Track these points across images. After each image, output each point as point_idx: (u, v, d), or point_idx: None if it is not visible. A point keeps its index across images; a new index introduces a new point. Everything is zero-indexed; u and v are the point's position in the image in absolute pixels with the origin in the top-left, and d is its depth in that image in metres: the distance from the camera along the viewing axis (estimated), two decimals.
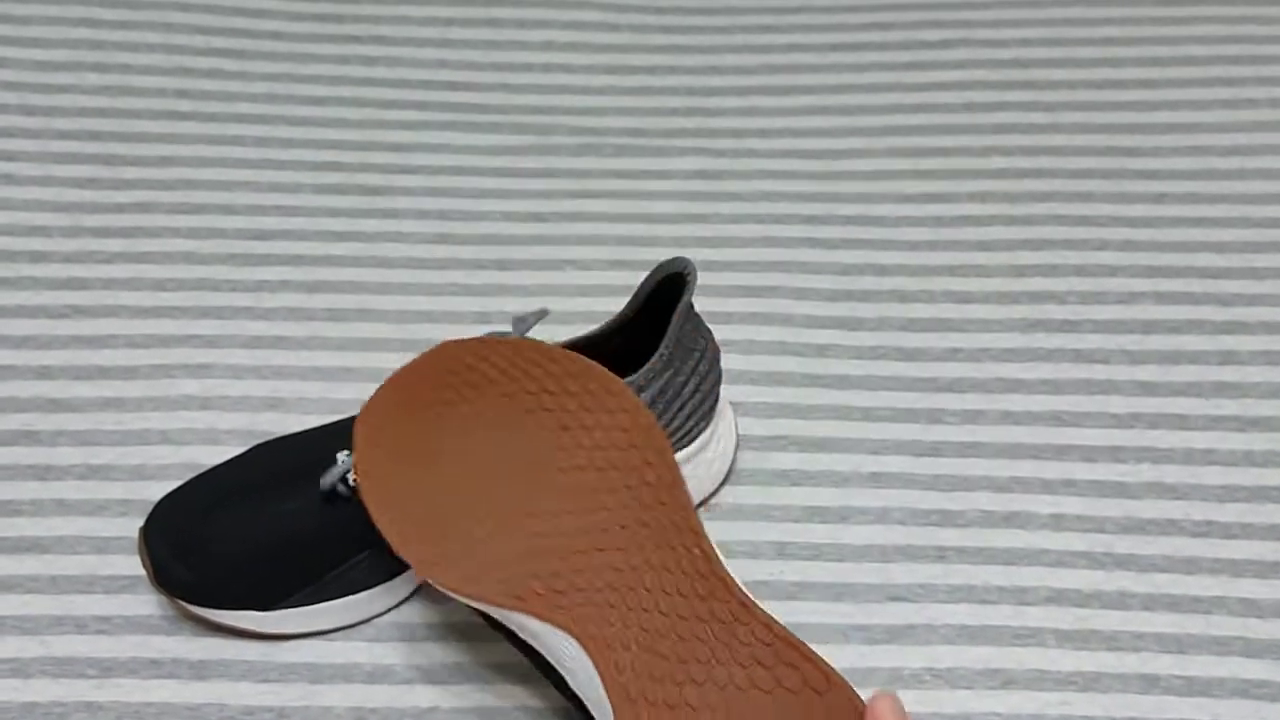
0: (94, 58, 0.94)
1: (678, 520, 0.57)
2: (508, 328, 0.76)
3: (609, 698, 0.56)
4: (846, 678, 0.65)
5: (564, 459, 0.59)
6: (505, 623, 0.59)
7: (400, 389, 0.63)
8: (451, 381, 0.62)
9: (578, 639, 0.56)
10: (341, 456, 0.66)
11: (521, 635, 0.59)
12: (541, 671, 0.62)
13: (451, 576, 0.58)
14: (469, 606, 0.60)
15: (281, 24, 0.97)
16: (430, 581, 0.59)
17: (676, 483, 0.58)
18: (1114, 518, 0.71)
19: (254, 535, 0.65)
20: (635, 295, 0.68)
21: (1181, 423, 0.75)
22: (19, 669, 0.66)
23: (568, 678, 0.58)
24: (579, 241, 0.85)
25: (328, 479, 0.65)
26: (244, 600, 0.66)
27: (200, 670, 0.66)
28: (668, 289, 0.68)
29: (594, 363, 0.61)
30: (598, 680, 0.56)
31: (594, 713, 0.57)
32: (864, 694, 0.64)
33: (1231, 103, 0.92)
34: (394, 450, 0.62)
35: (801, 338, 0.80)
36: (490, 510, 0.59)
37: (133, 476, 0.73)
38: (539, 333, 0.71)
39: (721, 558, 0.57)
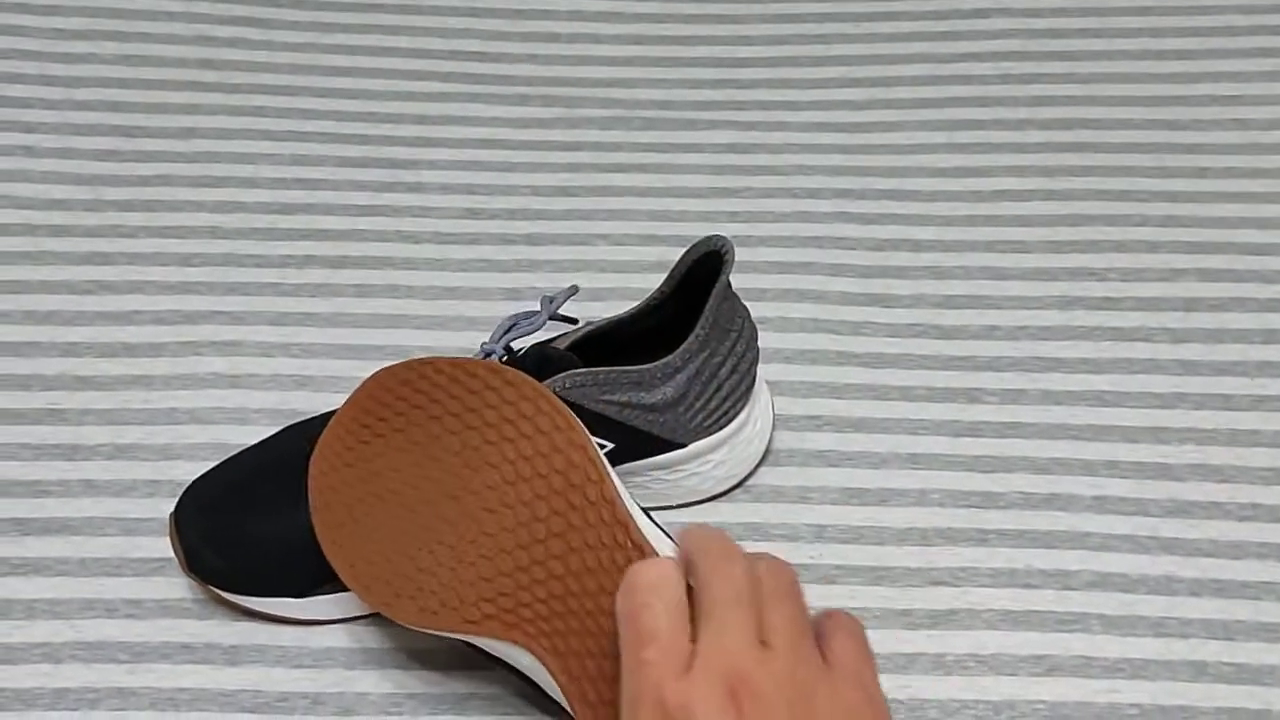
0: (115, 26, 0.93)
1: (605, 516, 0.57)
2: (536, 305, 0.75)
3: (569, 703, 0.57)
4: (888, 665, 0.64)
5: (494, 475, 0.59)
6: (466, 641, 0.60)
7: (343, 426, 0.63)
8: (385, 413, 0.62)
9: (531, 653, 0.57)
10: None
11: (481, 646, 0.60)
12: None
13: (408, 612, 0.59)
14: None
15: None
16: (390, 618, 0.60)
17: (601, 478, 0.57)
18: (1158, 500, 0.70)
19: (287, 521, 0.64)
20: (671, 274, 0.67)
21: (1226, 403, 0.74)
22: (50, 654, 0.65)
23: (531, 677, 0.59)
24: (608, 216, 0.83)
25: None
26: (278, 587, 0.65)
27: (233, 656, 0.65)
28: (703, 267, 0.67)
29: (506, 368, 0.60)
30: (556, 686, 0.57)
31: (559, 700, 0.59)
32: (908, 679, 0.64)
33: (1274, 74, 0.90)
34: (343, 489, 0.62)
35: (836, 315, 0.78)
36: (434, 538, 0.59)
37: (161, 456, 0.72)
38: (570, 309, 0.70)
39: (653, 537, 0.57)
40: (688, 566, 0.52)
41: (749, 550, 0.52)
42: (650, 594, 0.50)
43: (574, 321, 0.69)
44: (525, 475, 0.58)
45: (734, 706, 0.47)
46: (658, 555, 0.55)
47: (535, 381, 0.59)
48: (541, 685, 0.59)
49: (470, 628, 0.58)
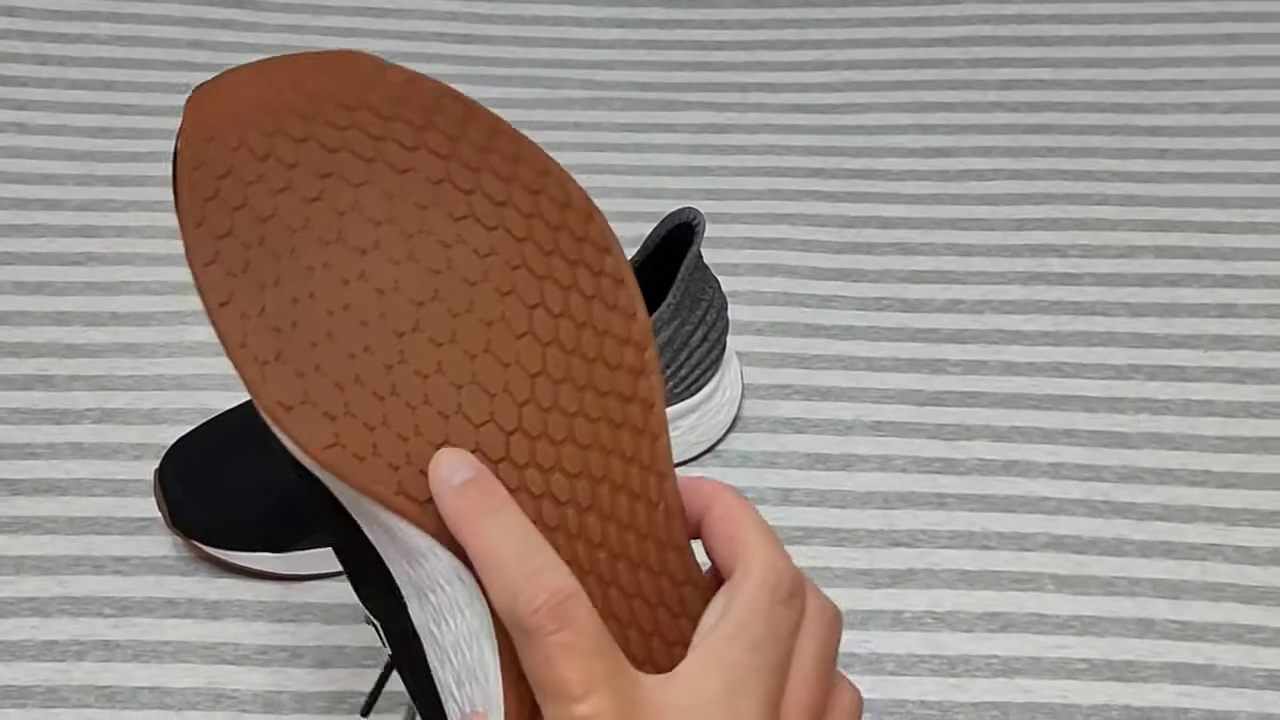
0: (107, 7, 0.95)
1: (644, 454, 0.44)
2: None
3: (498, 665, 0.41)
4: (849, 621, 0.66)
5: (514, 303, 0.43)
6: (363, 523, 0.43)
7: (269, 94, 0.44)
8: (348, 117, 0.44)
9: (475, 579, 0.40)
10: None
11: (382, 547, 0.43)
12: (362, 598, 0.47)
13: (317, 435, 0.41)
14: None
15: None
16: (280, 435, 0.42)
17: (654, 400, 0.44)
18: (1112, 466, 0.73)
19: (267, 478, 0.66)
20: (644, 244, 0.69)
21: (1180, 374, 0.76)
22: (38, 608, 0.67)
23: (428, 625, 0.43)
24: (589, 193, 0.85)
25: None
26: (259, 542, 0.67)
27: (215, 610, 0.67)
28: (676, 239, 0.69)
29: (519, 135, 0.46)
30: (485, 647, 0.41)
31: (451, 689, 0.43)
32: (867, 635, 0.66)
33: (1237, 60, 0.92)
34: (253, 192, 0.43)
35: (806, 289, 0.81)
36: (396, 351, 0.42)
37: (147, 420, 0.74)
38: None
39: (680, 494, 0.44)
40: (726, 568, 0.42)
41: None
42: (565, 634, 0.38)
43: None
44: (567, 344, 0.44)
45: None
46: (682, 527, 0.43)
47: (609, 229, 0.45)
48: (446, 650, 0.43)
49: (402, 505, 0.41)
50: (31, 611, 0.67)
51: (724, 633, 0.39)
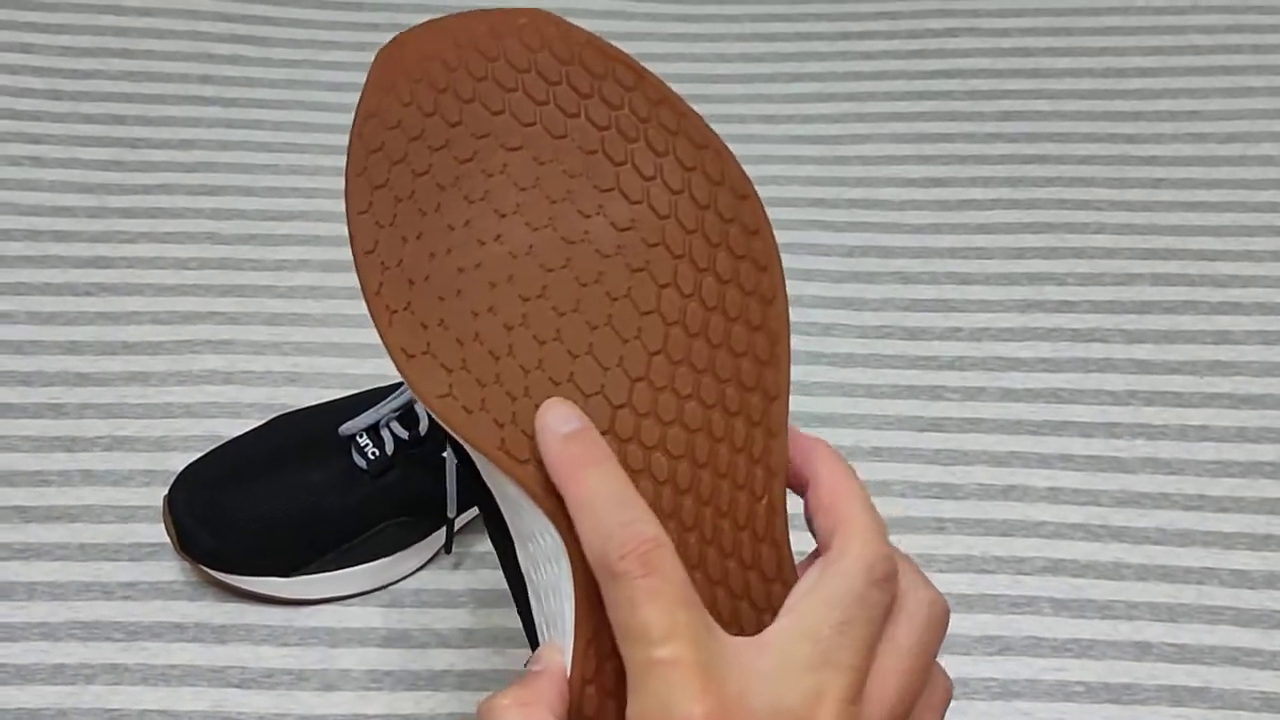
0: (120, 44, 0.96)
1: (756, 448, 0.43)
2: None
3: (575, 614, 0.42)
4: None
5: (661, 267, 0.44)
6: (481, 469, 0.45)
7: (439, 51, 0.45)
8: (515, 78, 0.45)
9: (562, 538, 0.42)
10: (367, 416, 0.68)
11: (502, 506, 0.45)
12: (506, 574, 0.48)
13: (432, 385, 0.43)
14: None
15: (303, 11, 0.99)
16: (414, 392, 0.44)
17: (780, 392, 0.44)
18: (1110, 491, 0.73)
19: (275, 503, 0.67)
20: None
21: (1176, 400, 0.77)
22: (48, 632, 0.68)
23: (533, 567, 0.44)
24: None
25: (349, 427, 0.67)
26: (265, 567, 0.68)
27: (222, 634, 0.68)
28: None
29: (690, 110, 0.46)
30: (566, 604, 0.42)
31: (543, 629, 0.45)
32: None
33: (1231, 91, 0.93)
34: (413, 148, 0.45)
35: (808, 317, 0.82)
36: (519, 316, 0.43)
37: (156, 448, 0.75)
38: None
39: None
40: (825, 537, 0.42)
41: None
42: (652, 579, 0.38)
43: None
44: (693, 327, 0.44)
45: None
46: (784, 525, 0.43)
47: (764, 214, 0.45)
48: (538, 593, 0.44)
49: (503, 459, 0.42)
50: (42, 636, 0.68)
51: (815, 605, 0.39)
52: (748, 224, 0.45)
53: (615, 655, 0.39)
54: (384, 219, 0.44)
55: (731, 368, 0.43)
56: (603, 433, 0.42)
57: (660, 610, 0.38)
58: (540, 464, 0.41)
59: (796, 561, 0.43)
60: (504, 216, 0.44)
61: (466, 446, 0.43)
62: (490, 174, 0.44)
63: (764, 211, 0.45)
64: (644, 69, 0.45)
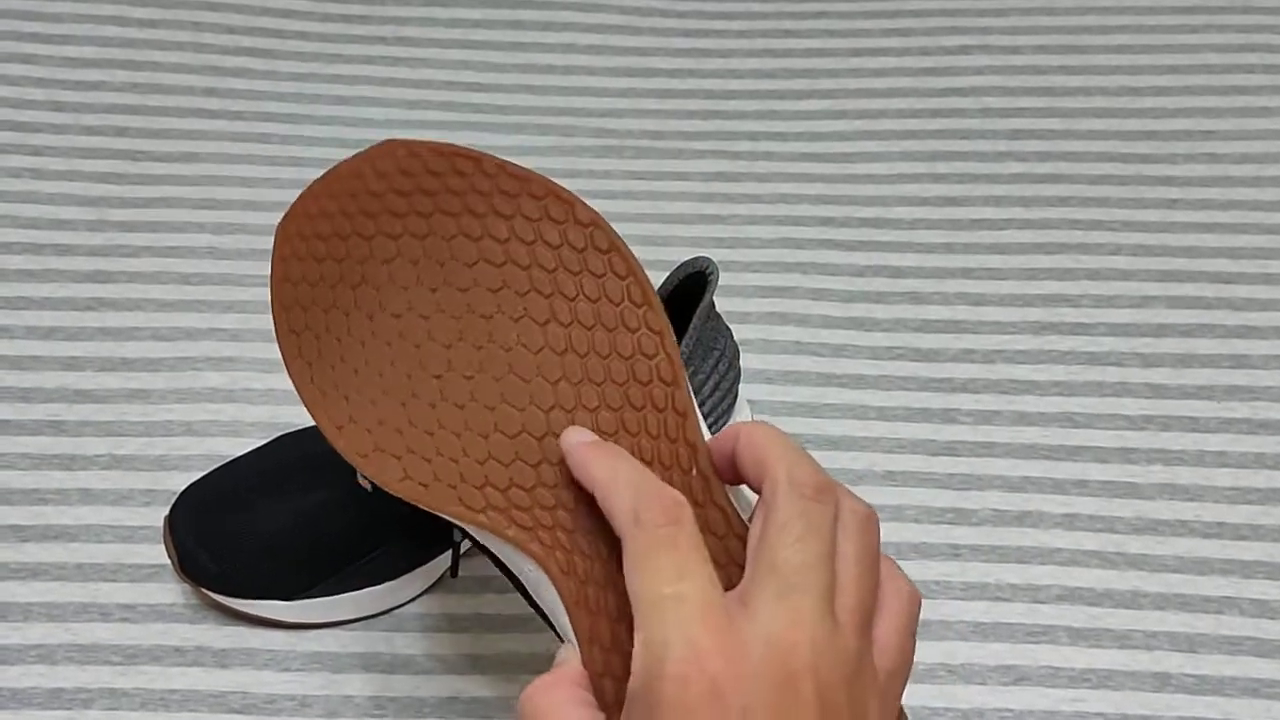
0: (123, 55, 0.95)
1: (671, 428, 0.49)
2: None
3: (576, 638, 0.46)
4: None
5: (535, 332, 0.50)
6: (470, 532, 0.51)
7: (320, 203, 0.53)
8: (384, 203, 0.52)
9: (540, 566, 0.47)
10: None
11: (492, 549, 0.51)
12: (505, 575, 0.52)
13: (389, 473, 0.49)
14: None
15: (309, 24, 0.99)
16: (376, 481, 0.49)
17: (676, 379, 0.50)
18: (1126, 518, 0.72)
19: (278, 526, 0.66)
20: (657, 292, 0.69)
21: (1194, 425, 0.76)
22: (45, 655, 0.67)
23: (530, 591, 0.49)
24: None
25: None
26: (267, 590, 0.67)
27: (223, 659, 0.67)
28: (689, 287, 0.69)
29: (567, 192, 0.52)
30: (568, 624, 0.47)
31: (554, 621, 0.49)
32: None
33: (1247, 110, 0.93)
34: (318, 285, 0.52)
35: (818, 338, 0.81)
36: (437, 390, 0.50)
37: (157, 467, 0.74)
38: None
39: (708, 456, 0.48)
40: (757, 484, 0.44)
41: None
42: (667, 525, 0.42)
43: None
44: (579, 349, 0.50)
45: (793, 694, 0.39)
46: (720, 488, 0.48)
47: (612, 230, 0.51)
48: (541, 606, 0.49)
49: (465, 514, 0.48)
50: (38, 659, 0.67)
51: (767, 540, 0.42)
52: (600, 245, 0.51)
53: (617, 649, 0.45)
54: (311, 355, 0.51)
55: (625, 370, 0.50)
56: (536, 463, 0.49)
57: (675, 558, 0.42)
58: (497, 509, 0.48)
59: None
60: (399, 317, 0.51)
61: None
62: (378, 287, 0.51)
63: (611, 229, 0.51)
64: (470, 151, 0.53)
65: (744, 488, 0.49)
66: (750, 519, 0.46)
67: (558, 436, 0.49)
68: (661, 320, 0.50)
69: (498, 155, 0.53)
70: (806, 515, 0.42)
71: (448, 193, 0.52)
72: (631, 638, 0.44)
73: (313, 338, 0.51)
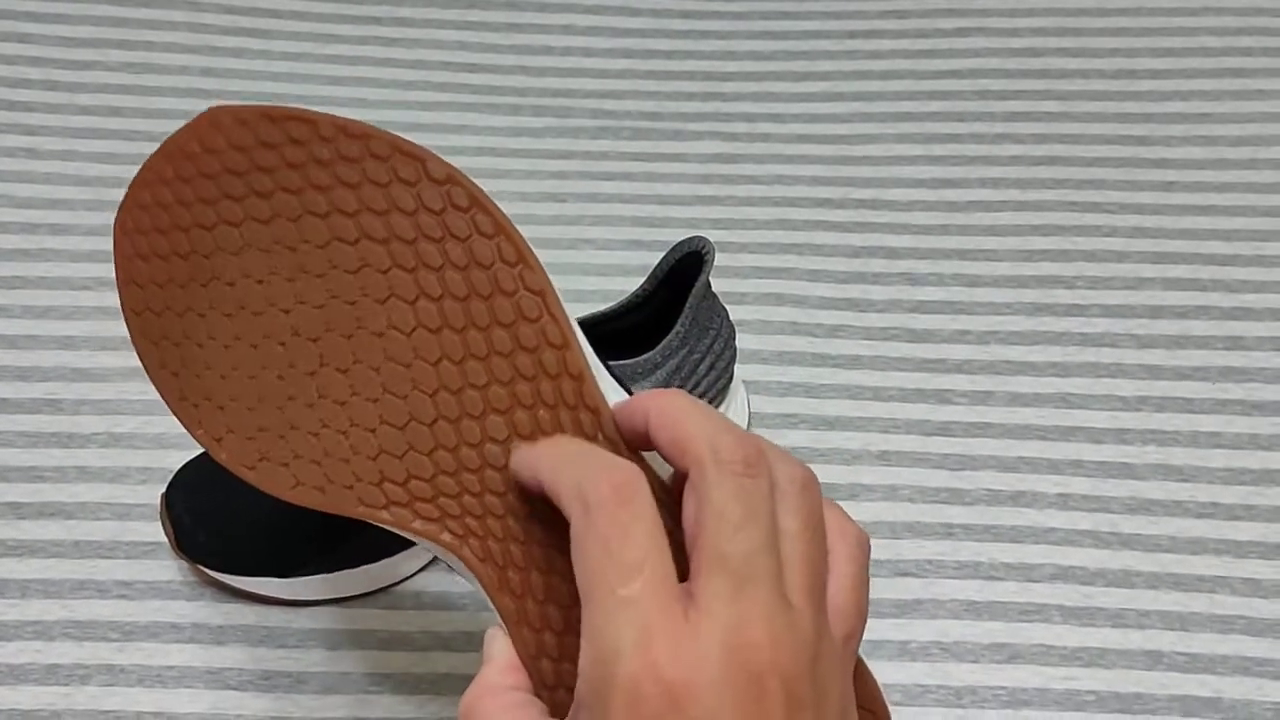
0: (118, 34, 0.95)
1: (569, 394, 0.45)
2: None
3: (504, 621, 0.45)
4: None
5: (406, 312, 0.46)
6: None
7: (158, 191, 0.48)
8: (228, 184, 0.47)
9: (458, 556, 0.45)
10: None
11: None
12: None
13: (280, 483, 0.47)
14: None
15: (304, 4, 0.98)
16: (271, 493, 0.47)
17: (566, 342, 0.46)
18: (1120, 498, 0.72)
19: (274, 503, 0.66)
20: (654, 272, 0.70)
21: (1188, 406, 0.76)
22: (42, 631, 0.67)
23: (457, 572, 0.48)
24: (595, 222, 0.86)
25: None
26: (264, 567, 0.67)
27: (220, 635, 0.67)
28: (685, 267, 0.69)
29: (413, 145, 0.47)
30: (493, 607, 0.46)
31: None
32: (873, 665, 0.65)
33: (1243, 93, 0.93)
34: (170, 288, 0.48)
35: (814, 318, 0.81)
36: (314, 387, 0.46)
37: (154, 445, 0.74)
38: None
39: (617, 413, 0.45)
40: (682, 466, 0.41)
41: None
42: (620, 511, 0.39)
43: None
44: (456, 323, 0.46)
45: (757, 696, 0.37)
46: (626, 452, 0.45)
47: (472, 184, 0.46)
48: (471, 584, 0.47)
49: (369, 513, 0.46)
50: (35, 635, 0.67)
51: (706, 529, 0.39)
52: (459, 203, 0.46)
53: (549, 628, 0.43)
54: (175, 365, 0.48)
55: (509, 339, 0.45)
56: (429, 451, 0.45)
57: (628, 549, 0.38)
58: (400, 504, 0.45)
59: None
60: (259, 315, 0.47)
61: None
62: (232, 283, 0.47)
63: (471, 183, 0.46)
64: (303, 113, 0.47)
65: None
66: (671, 482, 0.44)
67: (451, 421, 0.45)
68: (540, 278, 0.45)
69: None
70: (742, 496, 0.39)
71: (286, 167, 0.47)
72: (564, 617, 0.44)
73: (172, 345, 0.47)
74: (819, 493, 0.42)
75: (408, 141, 0.46)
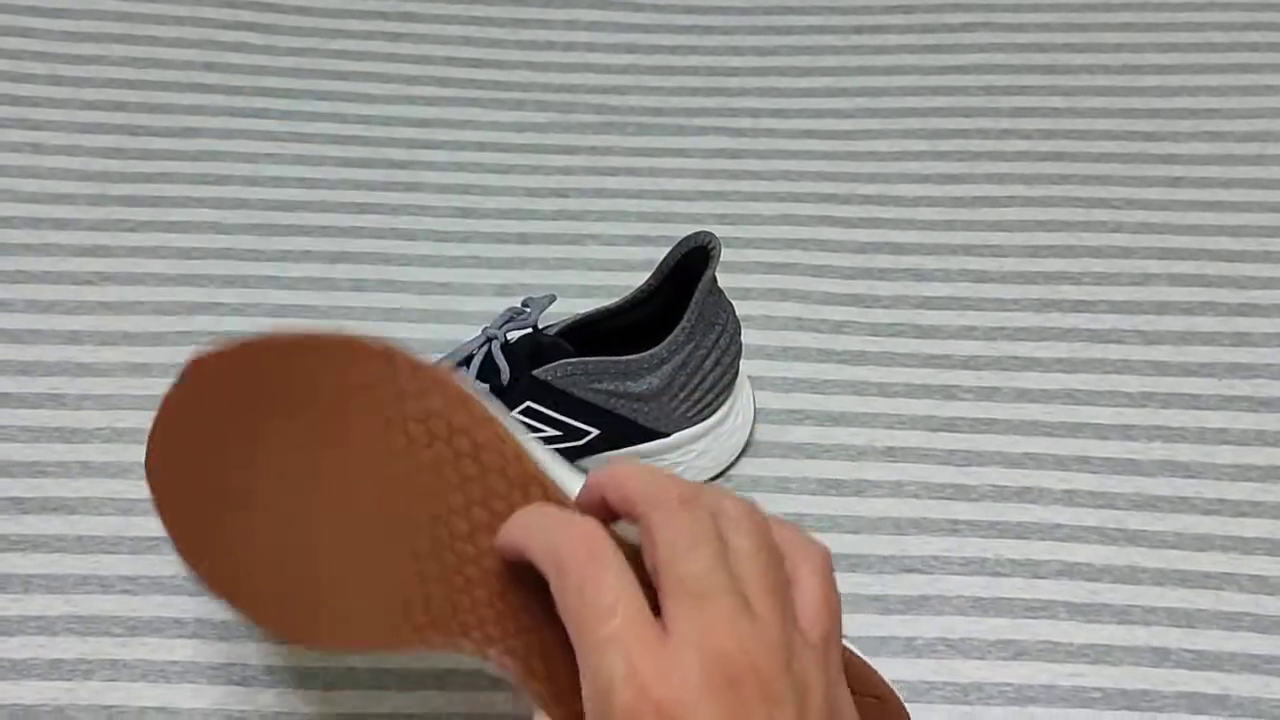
0: (122, 29, 0.95)
1: (512, 474, 0.50)
2: (523, 302, 0.77)
3: (543, 707, 0.48)
4: (862, 647, 0.66)
5: (390, 466, 0.51)
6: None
7: (176, 420, 0.55)
8: (228, 407, 0.54)
9: (483, 658, 0.49)
10: None
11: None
12: None
13: (319, 632, 0.51)
14: None
15: None
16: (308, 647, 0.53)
17: (495, 439, 0.51)
18: (1126, 494, 0.72)
19: None
20: (659, 268, 0.69)
21: (1194, 402, 0.76)
22: (45, 626, 0.67)
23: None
24: (599, 217, 0.85)
25: None
26: None
27: (224, 630, 0.67)
28: (691, 262, 0.69)
29: (355, 337, 0.53)
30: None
31: None
32: (880, 662, 0.65)
33: (1250, 89, 0.92)
34: (202, 494, 0.54)
35: (819, 314, 0.80)
36: (330, 546, 0.51)
37: None
38: (559, 307, 0.72)
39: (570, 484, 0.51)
40: (634, 519, 0.45)
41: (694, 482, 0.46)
42: (589, 564, 0.43)
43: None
44: (429, 444, 0.51)
45: (737, 696, 0.40)
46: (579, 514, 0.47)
47: (387, 345, 0.52)
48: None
49: (408, 643, 0.49)
50: (39, 630, 0.67)
51: (661, 559, 0.43)
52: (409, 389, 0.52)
53: (578, 695, 0.44)
54: (203, 554, 0.54)
55: (482, 490, 0.50)
56: (441, 575, 0.50)
57: (603, 594, 0.42)
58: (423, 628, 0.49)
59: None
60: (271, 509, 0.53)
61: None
62: (250, 490, 0.53)
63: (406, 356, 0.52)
64: (290, 336, 0.53)
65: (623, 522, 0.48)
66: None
67: (448, 543, 0.50)
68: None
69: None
70: (685, 524, 0.43)
71: (284, 385, 0.53)
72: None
73: (201, 536, 0.54)
74: (763, 517, 0.45)
75: (378, 346, 0.52)
